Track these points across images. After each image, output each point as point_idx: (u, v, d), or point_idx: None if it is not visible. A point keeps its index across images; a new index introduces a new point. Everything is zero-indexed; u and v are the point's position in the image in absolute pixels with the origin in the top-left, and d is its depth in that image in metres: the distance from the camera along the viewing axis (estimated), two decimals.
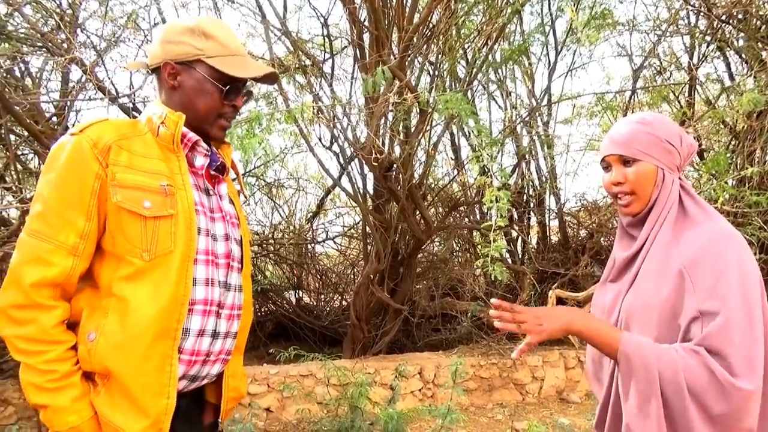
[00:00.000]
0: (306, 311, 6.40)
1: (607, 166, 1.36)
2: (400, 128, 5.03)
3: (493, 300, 1.25)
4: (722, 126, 6.06)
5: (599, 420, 1.34)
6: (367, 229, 5.21)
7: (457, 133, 6.22)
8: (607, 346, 1.23)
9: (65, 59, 3.67)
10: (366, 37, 4.72)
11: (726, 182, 4.55)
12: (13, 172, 4.57)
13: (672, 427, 1.16)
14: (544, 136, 6.15)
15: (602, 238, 6.19)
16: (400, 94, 3.76)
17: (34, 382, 1.16)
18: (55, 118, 4.48)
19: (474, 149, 4.87)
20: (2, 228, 4.18)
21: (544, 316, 1.23)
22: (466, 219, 6.51)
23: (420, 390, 4.51)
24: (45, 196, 1.19)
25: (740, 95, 4.80)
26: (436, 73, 5.16)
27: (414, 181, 4.90)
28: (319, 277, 6.90)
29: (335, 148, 5.27)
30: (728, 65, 6.13)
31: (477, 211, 6.49)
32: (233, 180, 1.55)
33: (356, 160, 5.21)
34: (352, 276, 6.85)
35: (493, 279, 3.01)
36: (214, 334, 1.31)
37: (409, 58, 4.57)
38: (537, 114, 6.27)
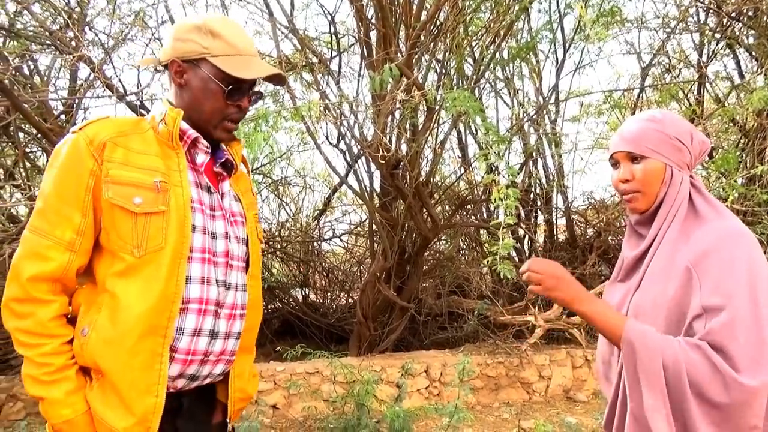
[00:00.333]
0: (312, 309, 6.42)
1: (615, 163, 1.35)
2: (407, 126, 5.03)
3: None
4: (732, 124, 6.02)
5: (608, 419, 1.33)
6: (374, 227, 5.21)
7: (465, 131, 6.22)
8: (610, 332, 1.22)
9: (73, 57, 3.69)
10: (373, 34, 4.72)
11: (735, 181, 4.51)
12: (22, 170, 4.61)
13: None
14: (551, 134, 6.12)
15: (610, 237, 6.17)
16: (408, 92, 3.75)
17: (32, 374, 1.17)
18: (63, 116, 4.52)
19: (481, 147, 4.87)
20: (11, 225, 4.21)
21: (560, 280, 1.25)
22: (473, 217, 6.50)
23: (426, 388, 4.51)
24: (45, 193, 1.21)
25: (750, 93, 4.77)
26: (444, 70, 5.14)
27: (421, 179, 4.89)
28: (325, 274, 6.92)
29: (342, 145, 5.28)
30: (738, 63, 6.08)
31: (484, 210, 6.48)
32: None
33: (363, 157, 5.21)
34: (358, 274, 6.86)
35: (500, 277, 3.00)
36: (213, 334, 1.29)
37: (416, 56, 4.57)
38: (544, 112, 6.25)
